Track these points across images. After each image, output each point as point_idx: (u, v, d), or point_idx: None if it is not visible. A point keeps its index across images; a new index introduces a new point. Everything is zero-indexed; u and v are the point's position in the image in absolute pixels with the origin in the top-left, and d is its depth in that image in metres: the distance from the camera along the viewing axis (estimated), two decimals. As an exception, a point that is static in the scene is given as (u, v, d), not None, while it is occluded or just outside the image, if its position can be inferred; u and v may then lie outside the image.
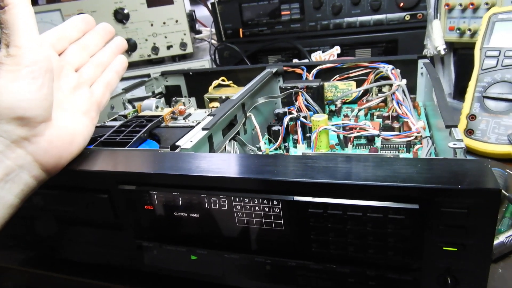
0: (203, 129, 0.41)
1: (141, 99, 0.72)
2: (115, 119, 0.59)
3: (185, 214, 0.33)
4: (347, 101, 0.65)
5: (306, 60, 0.83)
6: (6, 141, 0.30)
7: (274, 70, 0.65)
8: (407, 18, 0.80)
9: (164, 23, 0.91)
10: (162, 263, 0.36)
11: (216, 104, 0.64)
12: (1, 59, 0.30)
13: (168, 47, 0.93)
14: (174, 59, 0.96)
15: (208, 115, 0.45)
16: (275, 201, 0.29)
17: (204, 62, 0.96)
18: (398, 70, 0.58)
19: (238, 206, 0.31)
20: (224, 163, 0.32)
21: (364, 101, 0.62)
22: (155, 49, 0.92)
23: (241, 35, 0.93)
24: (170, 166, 0.32)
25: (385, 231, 0.26)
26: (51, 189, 0.36)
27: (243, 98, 0.51)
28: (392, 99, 0.54)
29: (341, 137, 0.49)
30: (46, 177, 0.33)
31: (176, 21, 0.91)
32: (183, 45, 0.93)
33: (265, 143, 0.53)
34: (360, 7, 0.82)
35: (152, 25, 0.91)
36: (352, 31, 0.85)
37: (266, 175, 0.28)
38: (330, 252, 0.28)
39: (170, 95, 0.75)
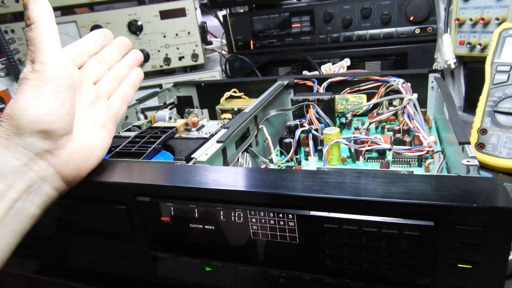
0: (218, 141, 0.42)
1: (153, 109, 0.73)
2: (129, 130, 0.60)
3: (201, 226, 0.33)
4: (358, 113, 0.66)
5: (317, 73, 0.84)
6: (30, 154, 0.31)
7: (285, 82, 0.66)
8: (417, 31, 0.81)
9: (177, 34, 0.92)
10: (176, 274, 0.36)
11: (228, 115, 0.65)
12: (27, 74, 0.32)
13: (180, 58, 0.94)
14: (185, 69, 0.98)
15: (222, 128, 0.46)
16: (290, 215, 0.30)
17: (215, 73, 0.97)
18: (409, 84, 0.59)
19: (253, 220, 0.31)
20: (240, 177, 0.33)
21: (375, 114, 0.62)
22: (167, 60, 0.94)
23: (251, 47, 0.94)
24: (186, 179, 0.33)
25: (399, 247, 0.26)
26: (68, 199, 0.37)
27: (256, 110, 0.52)
28: (403, 112, 0.54)
29: (353, 150, 0.50)
30: (66, 188, 0.34)
31: (188, 33, 0.93)
32: (194, 56, 0.94)
33: (276, 155, 0.53)
34: (370, 20, 0.83)
35: (164, 36, 0.92)
36: (362, 44, 0.86)
37: (282, 190, 0.29)
38: (344, 267, 0.29)
39: (182, 105, 0.77)
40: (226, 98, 0.69)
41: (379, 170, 0.41)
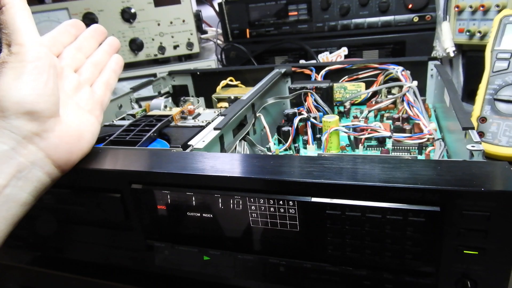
0: (215, 129, 0.41)
1: (147, 98, 0.72)
2: (123, 118, 0.59)
3: (198, 215, 0.32)
4: (356, 102, 0.65)
5: (315, 61, 0.83)
6: (18, 137, 0.29)
7: (282, 70, 0.65)
8: (416, 19, 0.79)
9: (171, 22, 0.91)
10: (173, 263, 0.35)
11: (225, 104, 0.63)
12: (4, 58, 0.31)
13: (175, 47, 0.93)
14: (180, 59, 0.96)
15: (219, 115, 0.45)
16: (290, 202, 0.29)
17: (210, 62, 0.95)
18: (408, 72, 0.58)
19: (253, 207, 0.30)
20: (238, 163, 0.32)
21: (373, 103, 0.62)
22: (161, 48, 0.92)
23: (247, 36, 0.92)
24: (183, 165, 0.32)
25: (404, 233, 0.26)
26: (61, 188, 0.36)
27: (253, 98, 0.51)
28: (403, 100, 0.54)
29: (352, 138, 0.49)
30: (58, 173, 0.33)
31: (183, 21, 0.91)
32: (189, 45, 0.92)
33: (274, 144, 0.52)
34: (368, 8, 0.82)
35: (159, 24, 0.90)
36: (359, 32, 0.84)
37: (283, 176, 0.28)
38: (346, 254, 0.28)
39: (177, 94, 0.75)
40: (222, 87, 0.68)
41: (382, 156, 0.41)
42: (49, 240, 0.42)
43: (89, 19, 0.87)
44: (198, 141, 0.38)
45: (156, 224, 0.34)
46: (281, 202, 0.29)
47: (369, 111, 0.56)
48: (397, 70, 0.59)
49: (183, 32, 0.92)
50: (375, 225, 0.26)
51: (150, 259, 0.36)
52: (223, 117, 0.44)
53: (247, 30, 0.92)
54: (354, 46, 0.86)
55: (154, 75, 0.94)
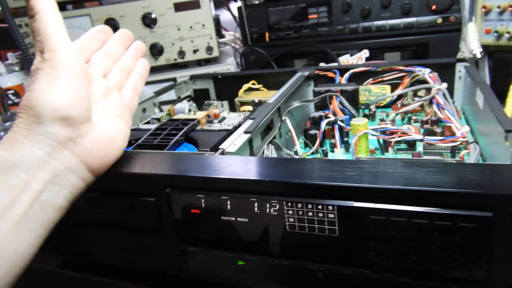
0: (245, 132, 0.41)
1: (167, 102, 0.72)
2: (148, 122, 0.59)
3: (233, 219, 0.32)
4: (381, 105, 0.64)
5: (336, 64, 0.82)
6: (53, 143, 0.30)
7: (306, 73, 0.65)
8: (439, 21, 0.78)
9: (191, 27, 0.91)
10: (206, 268, 0.35)
11: (248, 107, 0.63)
12: (38, 65, 0.31)
13: (194, 51, 0.93)
14: (199, 63, 0.96)
15: (246, 119, 0.45)
16: (330, 207, 0.28)
17: (229, 66, 0.95)
18: (436, 74, 0.57)
19: (290, 212, 0.30)
20: (275, 167, 0.31)
21: (399, 105, 0.60)
22: (181, 53, 0.93)
23: (267, 39, 0.92)
24: (218, 169, 0.32)
25: (452, 240, 0.25)
26: (93, 191, 0.36)
27: (280, 101, 0.50)
28: (431, 103, 0.52)
29: (381, 141, 0.48)
30: (92, 178, 0.33)
31: (203, 25, 0.91)
32: (209, 49, 0.93)
33: (300, 147, 0.52)
34: (390, 10, 0.81)
35: (179, 29, 0.91)
36: (381, 35, 0.83)
37: (323, 180, 0.28)
38: (389, 261, 0.27)
39: (198, 98, 0.75)
40: (244, 91, 0.68)
41: (425, 159, 0.40)
42: (79, 244, 0.42)
43: (110, 24, 0.88)
44: (230, 145, 0.38)
45: (190, 228, 0.34)
46: (319, 206, 0.29)
47: (397, 114, 0.55)
48: (424, 72, 0.58)
49: (202, 36, 0.92)
50: (421, 231, 0.25)
51: (183, 263, 0.36)
52: (251, 120, 0.44)
53: (266, 34, 0.92)
54: (375, 49, 0.85)
55: (174, 79, 0.95)
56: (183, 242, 0.35)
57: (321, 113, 0.54)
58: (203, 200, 0.32)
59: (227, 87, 0.75)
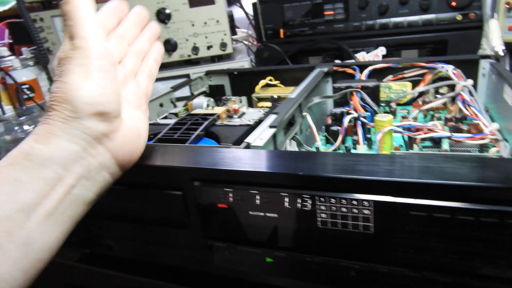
0: (270, 126, 0.40)
1: (181, 99, 0.71)
2: (165, 117, 0.59)
3: (262, 214, 0.31)
4: (401, 102, 0.63)
5: (353, 61, 0.81)
6: (89, 138, 0.29)
7: (325, 69, 0.64)
8: (459, 18, 0.77)
9: (205, 23, 0.90)
10: (232, 264, 0.34)
11: (266, 103, 0.62)
12: (68, 53, 0.29)
13: (208, 47, 0.92)
14: (213, 59, 0.96)
15: (271, 113, 0.44)
16: (365, 202, 0.27)
17: (243, 63, 0.95)
18: (460, 70, 0.56)
19: (322, 207, 0.29)
20: (306, 161, 0.30)
21: (420, 103, 0.59)
22: (195, 49, 0.92)
23: (281, 36, 0.91)
24: (247, 163, 0.31)
25: (499, 237, 0.24)
26: (118, 184, 0.36)
27: (301, 97, 0.50)
28: (456, 100, 0.51)
29: (405, 138, 0.47)
30: (120, 173, 0.32)
31: (217, 21, 0.90)
32: (223, 45, 0.92)
33: (321, 144, 0.51)
34: (409, 6, 0.79)
35: (193, 25, 0.90)
36: (398, 32, 0.82)
37: (360, 174, 0.27)
38: (430, 259, 0.26)
39: (214, 94, 0.75)
40: (262, 86, 0.67)
41: (465, 154, 0.39)
42: (100, 237, 0.42)
43: (125, 20, 0.88)
44: (255, 139, 0.37)
45: (216, 223, 0.33)
46: (354, 202, 0.28)
47: (419, 111, 0.54)
48: (447, 69, 0.56)
49: (217, 32, 0.92)
50: (466, 227, 0.24)
51: (208, 259, 0.35)
52: (275, 115, 0.43)
53: (281, 30, 0.91)
54: (392, 46, 0.83)
55: (187, 75, 0.94)
56: (209, 238, 0.34)
57: (342, 109, 0.53)
58: (231, 194, 0.31)
59: (242, 83, 0.74)
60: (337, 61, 0.85)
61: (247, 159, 0.32)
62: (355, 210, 0.28)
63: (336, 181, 0.28)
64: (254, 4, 0.91)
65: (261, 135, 0.38)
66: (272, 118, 0.42)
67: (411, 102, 0.62)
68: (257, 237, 0.32)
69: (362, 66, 0.63)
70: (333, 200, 0.28)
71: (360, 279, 0.29)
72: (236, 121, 0.51)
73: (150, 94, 0.40)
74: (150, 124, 0.56)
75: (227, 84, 0.75)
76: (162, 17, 0.88)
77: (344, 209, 0.28)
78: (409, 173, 0.25)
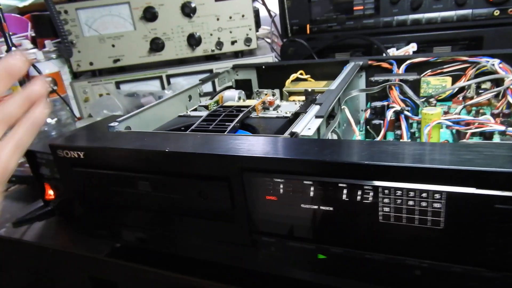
0: (317, 116, 0.38)
1: (205, 94, 0.70)
2: (195, 110, 0.57)
3: (315, 207, 0.29)
4: (439, 98, 0.60)
5: (391, 54, 0.78)
6: None
7: (360, 63, 0.61)
8: (496, 13, 0.74)
9: (230, 17, 0.89)
10: (279, 261, 0.32)
11: (298, 97, 0.60)
12: None
13: (233, 43, 0.91)
14: (236, 55, 0.94)
15: (313, 104, 0.42)
16: (437, 195, 0.25)
17: (267, 59, 0.93)
18: (507, 64, 0.53)
19: (386, 200, 0.27)
20: (367, 150, 0.28)
21: (460, 98, 0.57)
22: (219, 44, 0.90)
23: (308, 32, 0.89)
24: (300, 152, 0.29)
25: None
26: (158, 174, 0.34)
27: (341, 89, 0.47)
28: (507, 94, 0.48)
29: (453, 133, 0.44)
30: None
31: (243, 16, 0.89)
32: (248, 40, 0.90)
33: (360, 138, 0.49)
34: (443, 1, 0.77)
35: (218, 19, 0.89)
36: (431, 28, 0.79)
37: (434, 163, 0.24)
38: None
39: (240, 89, 0.73)
40: (292, 81, 0.65)
41: None
42: (133, 230, 0.40)
43: (150, 13, 0.87)
44: (303, 129, 0.35)
45: (265, 217, 0.31)
46: (424, 194, 0.25)
47: (464, 106, 0.51)
48: (492, 63, 0.53)
49: (242, 27, 0.90)
50: (560, 223, 0.22)
51: (253, 256, 0.33)
52: (318, 106, 0.41)
53: (308, 26, 0.89)
54: (424, 42, 0.81)
55: (210, 71, 0.92)
56: (255, 232, 0.32)
57: (383, 102, 0.50)
58: (282, 186, 0.29)
59: (270, 78, 0.72)
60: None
61: (300, 148, 0.30)
62: (423, 204, 0.26)
63: (404, 171, 0.25)
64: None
65: (308, 125, 0.36)
66: (316, 108, 0.40)
67: (450, 98, 0.59)
68: (309, 233, 0.30)
69: (399, 61, 0.61)
70: (398, 192, 0.26)
71: (426, 279, 0.27)
72: (272, 113, 0.49)
73: (11, 170, 0.30)
74: (180, 116, 0.54)
75: (254, 78, 0.73)
76: (187, 10, 0.87)
77: (411, 202, 0.26)
78: (493, 162, 0.23)
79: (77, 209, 0.41)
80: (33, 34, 0.98)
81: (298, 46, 0.88)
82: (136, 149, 0.33)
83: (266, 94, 0.59)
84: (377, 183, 0.26)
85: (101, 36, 0.90)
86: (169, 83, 0.94)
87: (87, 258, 0.46)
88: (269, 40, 1.11)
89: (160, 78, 0.93)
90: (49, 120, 0.72)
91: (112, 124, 0.44)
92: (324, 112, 0.38)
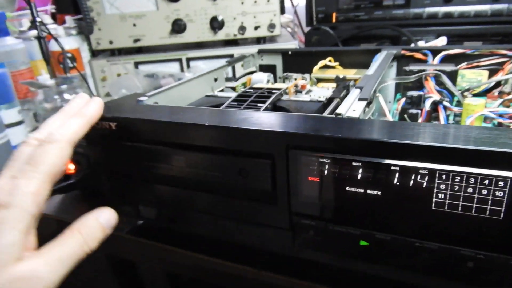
0: (360, 99, 0.36)
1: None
2: (222, 91, 0.56)
3: (362, 191, 0.27)
4: (473, 93, 0.58)
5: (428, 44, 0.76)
6: None
7: (394, 52, 0.59)
8: (533, 9, 0.71)
9: (255, 1, 0.87)
10: (318, 246, 0.31)
11: (326, 84, 0.58)
12: None
13: (256, 28, 0.89)
14: (258, 41, 0.92)
15: (355, 88, 0.40)
16: (501, 182, 0.23)
17: (290, 46, 0.91)
18: (550, 60, 0.51)
19: (442, 185, 0.25)
20: (422, 131, 0.26)
21: (496, 94, 0.54)
22: (242, 28, 0.88)
23: (333, 20, 0.87)
24: (353, 131, 0.27)
25: None
26: (194, 150, 0.32)
27: (380, 75, 0.46)
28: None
29: (495, 124, 0.42)
30: None
31: (268, 1, 0.86)
32: (271, 26, 0.88)
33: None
34: (478, -6, 0.74)
35: (242, 3, 0.87)
36: (463, 21, 0.77)
37: (503, 147, 0.23)
38: None
39: (263, 74, 0.71)
40: (320, 68, 0.63)
41: None
42: (161, 208, 0.38)
43: (174, -7, 0.85)
44: (347, 110, 0.33)
45: (307, 199, 0.29)
46: (486, 181, 0.24)
47: (504, 100, 0.49)
48: (534, 57, 0.51)
49: (266, 12, 0.88)
50: None
51: (290, 240, 0.31)
52: (358, 89, 0.39)
53: (334, 14, 0.87)
54: (454, 36, 0.78)
55: (231, 55, 0.91)
56: (295, 214, 0.30)
57: (420, 92, 0.49)
58: (328, 166, 0.28)
59: (295, 64, 0.70)
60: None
61: (353, 127, 0.28)
62: (484, 191, 0.24)
63: (470, 154, 0.24)
64: (307, -15, 0.87)
65: (351, 107, 0.34)
66: (356, 92, 0.39)
67: (484, 93, 0.57)
68: (352, 217, 0.28)
69: (434, 52, 0.59)
70: (458, 178, 0.24)
71: (479, 272, 0.25)
72: (304, 97, 0.47)
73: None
74: (207, 96, 0.53)
75: (278, 64, 0.72)
76: (212, -8, 0.85)
77: (470, 189, 0.24)
78: None
79: (104, 183, 0.40)
80: (53, 10, 0.97)
81: (322, 34, 0.86)
82: (173, 122, 0.32)
83: (296, 79, 0.57)
84: (436, 166, 0.25)
85: (122, 15, 0.88)
86: (188, 66, 0.92)
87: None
88: (290, 30, 1.09)
89: (179, 60, 0.92)
90: (68, 96, 0.71)
91: (141, 98, 0.43)
92: (368, 95, 0.36)
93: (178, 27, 0.88)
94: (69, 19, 0.88)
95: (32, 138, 0.28)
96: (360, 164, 0.27)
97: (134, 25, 0.89)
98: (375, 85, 0.42)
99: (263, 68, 0.73)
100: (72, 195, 0.50)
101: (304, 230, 0.31)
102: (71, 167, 0.52)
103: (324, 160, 0.28)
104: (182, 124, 0.32)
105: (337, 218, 0.29)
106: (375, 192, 0.27)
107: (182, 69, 0.90)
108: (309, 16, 0.89)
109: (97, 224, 0.28)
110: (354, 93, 0.38)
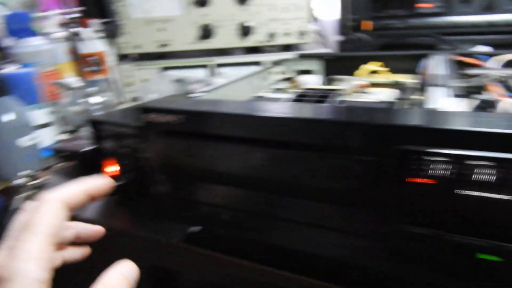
0: (455, 96, 0.33)
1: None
2: (268, 93, 0.53)
3: (488, 195, 0.24)
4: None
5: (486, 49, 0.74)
6: None
7: (444, 57, 0.57)
8: None
9: (285, 8, 0.85)
10: (423, 261, 0.27)
11: (382, 89, 0.55)
12: None
13: (286, 34, 0.86)
14: (287, 48, 0.90)
15: (432, 86, 0.37)
16: None
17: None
18: None
19: None
20: None
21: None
22: (271, 35, 0.86)
23: (367, 28, 0.85)
24: (494, 125, 0.24)
25: None
26: (274, 147, 0.29)
27: (445, 77, 0.43)
28: None
29: None
30: None
31: (298, 7, 0.85)
32: (302, 33, 0.86)
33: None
34: (521, 3, 0.72)
35: (272, 9, 0.85)
36: (504, 30, 0.75)
37: None
38: None
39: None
40: (370, 72, 0.60)
41: None
42: (218, 211, 0.34)
43: (203, -2, 0.83)
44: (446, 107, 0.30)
45: (417, 204, 0.26)
46: None
47: None
48: None
49: (296, 19, 0.86)
50: None
51: (386, 251, 0.27)
52: (438, 88, 0.36)
53: (367, 23, 0.85)
54: (493, 45, 0.76)
55: (257, 63, 0.88)
56: (402, 222, 0.26)
57: (490, 97, 0.46)
58: (449, 166, 0.24)
59: (335, 69, 0.67)
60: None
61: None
62: None
63: None
64: (341, -7, 0.85)
65: (448, 103, 0.31)
66: (439, 90, 0.35)
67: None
68: (471, 226, 0.25)
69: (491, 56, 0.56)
70: None
71: None
72: (370, 97, 0.44)
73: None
74: (258, 97, 0.50)
75: (318, 69, 0.69)
76: (242, -3, 0.83)
77: None
78: None
79: (160, 185, 0.36)
80: (77, 14, 0.94)
81: (356, 43, 0.84)
82: (254, 115, 0.29)
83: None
84: None
85: (148, 19, 0.86)
86: (214, 73, 0.89)
87: (155, 243, 0.41)
88: (319, 37, 1.07)
89: (205, 67, 0.89)
90: (99, 100, 0.68)
91: (195, 94, 0.39)
92: (459, 91, 0.33)
93: (206, 32, 0.85)
94: (96, 23, 0.86)
95: (26, 205, 0.26)
96: (494, 164, 0.23)
97: (161, 29, 0.86)
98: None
99: (300, 73, 0.70)
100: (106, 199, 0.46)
101: (413, 240, 0.27)
102: (110, 170, 0.48)
103: (443, 159, 0.24)
104: (263, 117, 0.28)
105: (450, 227, 0.25)
106: (506, 197, 0.24)
107: (210, 75, 0.87)
108: (343, 24, 0.87)
109: (122, 278, 0.26)
110: (437, 91, 0.35)
